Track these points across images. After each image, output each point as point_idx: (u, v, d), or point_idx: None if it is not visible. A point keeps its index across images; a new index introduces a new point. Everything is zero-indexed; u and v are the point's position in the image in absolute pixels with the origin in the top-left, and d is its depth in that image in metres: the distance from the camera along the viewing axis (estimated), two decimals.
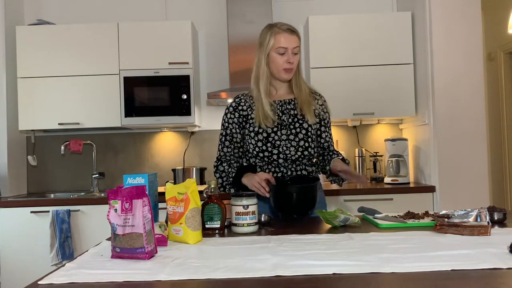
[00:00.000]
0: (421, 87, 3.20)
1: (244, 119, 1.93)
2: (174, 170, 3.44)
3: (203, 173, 3.50)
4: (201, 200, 1.45)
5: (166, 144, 3.70)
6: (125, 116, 3.30)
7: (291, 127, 1.89)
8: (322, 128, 1.98)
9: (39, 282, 1.00)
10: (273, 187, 1.72)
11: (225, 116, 1.97)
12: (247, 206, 1.51)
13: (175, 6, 3.71)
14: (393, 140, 3.33)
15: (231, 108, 1.96)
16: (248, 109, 1.93)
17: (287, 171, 1.89)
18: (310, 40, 3.30)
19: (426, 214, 1.67)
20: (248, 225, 1.51)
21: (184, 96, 3.28)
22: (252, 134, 1.89)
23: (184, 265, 1.10)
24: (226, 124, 1.96)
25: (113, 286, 0.98)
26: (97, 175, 3.56)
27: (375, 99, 3.27)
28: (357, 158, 3.52)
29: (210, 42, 3.71)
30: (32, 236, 2.99)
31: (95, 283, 0.99)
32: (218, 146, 2.00)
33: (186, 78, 3.28)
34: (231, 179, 1.88)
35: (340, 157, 1.93)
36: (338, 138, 3.63)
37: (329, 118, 2.01)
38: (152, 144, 3.70)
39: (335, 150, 2.01)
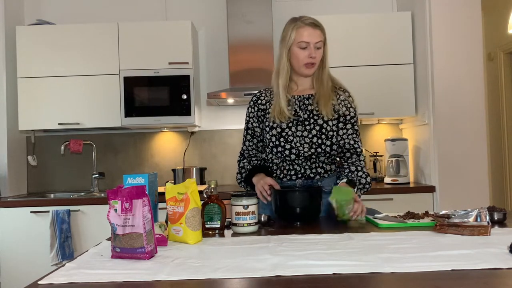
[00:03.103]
0: (421, 87, 3.20)
1: (263, 113, 1.94)
2: (174, 170, 3.44)
3: (203, 173, 3.50)
4: (201, 200, 1.45)
5: (166, 144, 3.70)
6: (125, 116, 3.30)
7: (306, 123, 1.86)
8: (340, 125, 1.87)
9: (39, 282, 1.00)
10: (274, 193, 1.70)
11: (247, 110, 1.99)
12: (247, 206, 1.51)
13: (175, 6, 3.71)
14: (393, 140, 3.33)
15: (251, 102, 1.98)
16: (267, 104, 1.93)
17: (300, 169, 1.86)
18: None
19: (426, 214, 1.67)
20: (248, 225, 1.51)
21: (184, 96, 3.28)
22: (268, 129, 1.89)
23: (184, 265, 1.10)
24: (248, 118, 1.98)
25: (113, 286, 0.98)
26: (97, 175, 3.56)
27: (375, 99, 3.27)
28: None
29: (210, 42, 3.71)
30: (32, 236, 2.99)
31: (95, 283, 0.99)
32: (242, 140, 2.02)
33: (186, 78, 3.28)
34: (244, 176, 1.94)
35: (345, 180, 1.77)
36: None
37: (353, 114, 1.89)
38: (152, 144, 3.70)
39: (353, 150, 1.88)
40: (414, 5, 3.27)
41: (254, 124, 1.96)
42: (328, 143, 1.84)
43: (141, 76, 3.30)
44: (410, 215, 1.67)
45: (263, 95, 1.97)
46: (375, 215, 1.69)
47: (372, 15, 3.34)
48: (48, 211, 2.97)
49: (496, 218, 1.55)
